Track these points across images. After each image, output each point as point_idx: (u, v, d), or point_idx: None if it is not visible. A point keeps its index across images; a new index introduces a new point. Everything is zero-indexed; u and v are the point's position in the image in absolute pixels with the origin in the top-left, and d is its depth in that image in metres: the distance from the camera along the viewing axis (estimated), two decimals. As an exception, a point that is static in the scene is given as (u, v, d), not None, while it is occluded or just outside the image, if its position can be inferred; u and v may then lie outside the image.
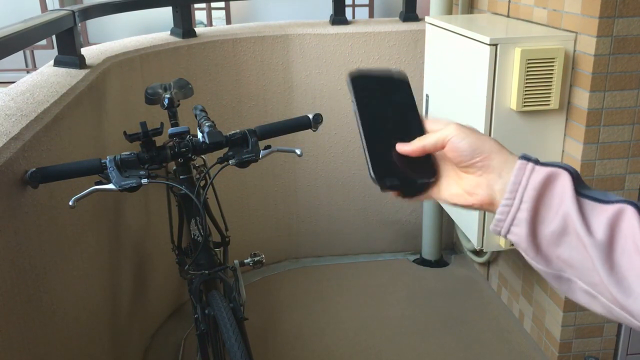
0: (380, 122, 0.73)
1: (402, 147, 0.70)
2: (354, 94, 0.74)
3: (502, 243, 2.34)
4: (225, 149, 1.74)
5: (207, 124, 1.74)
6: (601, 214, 0.62)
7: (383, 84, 0.75)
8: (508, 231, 0.66)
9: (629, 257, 0.60)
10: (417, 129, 0.73)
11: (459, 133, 0.68)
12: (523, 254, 0.66)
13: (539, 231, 0.64)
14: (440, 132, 0.70)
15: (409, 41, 3.00)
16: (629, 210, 0.61)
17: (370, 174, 0.71)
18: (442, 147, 0.69)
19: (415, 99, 0.76)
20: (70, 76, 1.99)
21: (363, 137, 0.72)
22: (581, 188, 0.64)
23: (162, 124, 1.71)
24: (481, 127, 2.22)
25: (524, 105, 2.14)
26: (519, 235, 0.65)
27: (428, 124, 0.73)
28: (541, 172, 0.65)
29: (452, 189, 0.71)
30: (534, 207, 0.64)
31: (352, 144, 3.17)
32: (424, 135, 0.71)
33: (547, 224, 0.64)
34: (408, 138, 0.71)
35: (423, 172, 0.71)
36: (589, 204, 0.63)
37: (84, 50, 2.32)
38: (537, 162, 0.66)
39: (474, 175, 0.68)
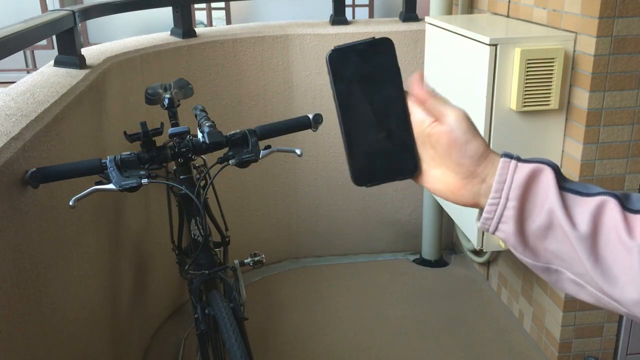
0: (362, 114, 0.70)
1: (414, 89, 0.70)
2: (334, 82, 0.70)
3: (502, 243, 2.34)
4: (225, 149, 1.75)
5: (207, 124, 1.74)
6: (584, 206, 0.63)
7: (366, 60, 0.70)
8: (496, 229, 0.67)
9: (613, 248, 0.61)
10: (401, 116, 0.71)
11: (463, 124, 0.67)
12: (511, 249, 0.67)
13: (526, 227, 0.65)
14: (447, 106, 0.68)
15: (409, 41, 3.00)
16: (611, 202, 0.62)
17: (350, 175, 0.71)
18: (434, 120, 0.69)
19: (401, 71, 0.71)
20: (71, 76, 1.99)
21: (343, 134, 0.70)
22: (563, 182, 0.65)
23: (162, 124, 1.71)
24: (481, 127, 2.22)
25: (524, 105, 2.14)
26: (507, 232, 0.66)
27: (431, 103, 0.70)
28: (524, 169, 0.66)
29: (437, 185, 0.71)
30: (519, 204, 0.65)
31: (352, 144, 3.17)
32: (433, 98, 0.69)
33: (533, 219, 0.65)
34: (390, 130, 0.70)
35: (404, 167, 0.71)
36: (571, 198, 0.64)
37: (84, 51, 2.32)
38: (519, 159, 0.67)
39: (457, 177, 0.68)
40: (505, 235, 0.66)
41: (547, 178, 0.65)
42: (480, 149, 0.67)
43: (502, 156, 0.67)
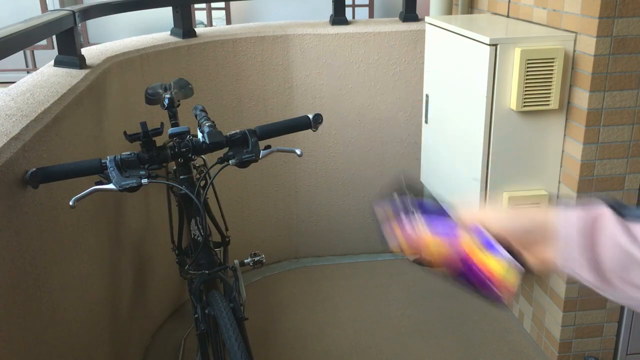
0: None
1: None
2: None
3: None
4: (226, 149, 1.75)
5: (207, 124, 1.74)
6: None
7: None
8: (575, 274, 0.72)
9: None
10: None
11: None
12: (595, 289, 0.72)
13: (603, 267, 0.69)
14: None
15: (409, 41, 3.00)
16: None
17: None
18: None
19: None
20: (71, 76, 1.99)
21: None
22: (623, 209, 0.69)
23: (162, 124, 1.71)
24: (481, 127, 2.22)
25: (524, 105, 2.14)
26: (586, 278, 0.70)
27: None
28: (583, 215, 0.70)
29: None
30: (589, 249, 0.69)
31: (352, 144, 3.17)
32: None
33: (607, 258, 0.68)
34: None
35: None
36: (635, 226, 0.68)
37: (84, 51, 2.32)
38: (573, 206, 0.73)
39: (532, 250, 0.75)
40: (584, 279, 0.71)
41: (607, 219, 0.69)
42: (541, 230, 0.74)
43: (559, 209, 0.74)
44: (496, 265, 0.75)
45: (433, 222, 0.79)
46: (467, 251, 0.76)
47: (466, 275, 0.77)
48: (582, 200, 0.72)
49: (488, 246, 0.75)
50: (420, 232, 0.78)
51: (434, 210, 0.80)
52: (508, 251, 0.75)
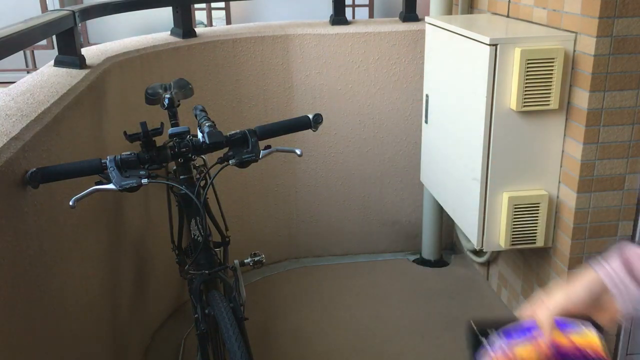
0: None
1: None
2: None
3: (501, 243, 2.34)
4: (226, 149, 1.75)
5: (207, 124, 1.74)
6: None
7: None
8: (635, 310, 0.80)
9: None
10: None
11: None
12: None
13: None
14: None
15: (409, 41, 3.00)
16: None
17: None
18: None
19: None
20: (71, 76, 1.99)
21: None
22: None
23: (162, 124, 1.72)
24: (481, 127, 2.22)
25: (524, 106, 2.14)
26: None
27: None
28: (615, 260, 0.79)
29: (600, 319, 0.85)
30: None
31: (352, 144, 3.17)
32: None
33: None
34: None
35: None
36: None
37: (84, 51, 2.32)
38: (606, 260, 0.81)
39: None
40: None
41: (634, 250, 0.79)
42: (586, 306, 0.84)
43: (594, 269, 0.83)
44: (582, 339, 0.82)
45: (516, 337, 0.86)
46: (555, 342, 0.83)
47: None
48: (607, 253, 0.80)
49: (567, 327, 0.82)
50: (513, 353, 0.86)
51: (514, 328, 0.88)
52: (583, 323, 0.82)
